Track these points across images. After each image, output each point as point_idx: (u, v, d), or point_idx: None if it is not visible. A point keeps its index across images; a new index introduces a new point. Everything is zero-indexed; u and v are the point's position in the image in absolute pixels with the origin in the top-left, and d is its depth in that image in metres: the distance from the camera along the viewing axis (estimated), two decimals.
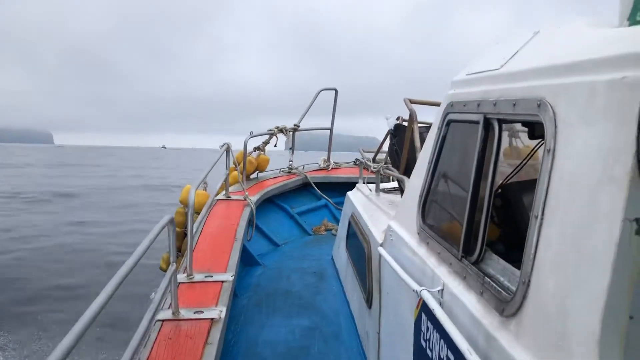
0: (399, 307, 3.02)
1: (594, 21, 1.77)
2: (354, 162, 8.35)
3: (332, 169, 9.56)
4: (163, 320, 3.34)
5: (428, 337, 2.22)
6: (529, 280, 1.55)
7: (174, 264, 3.30)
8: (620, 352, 1.24)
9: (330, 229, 8.09)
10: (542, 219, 1.53)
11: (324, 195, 8.62)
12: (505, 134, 3.90)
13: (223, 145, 6.47)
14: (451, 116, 2.56)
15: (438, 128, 2.70)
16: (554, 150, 1.53)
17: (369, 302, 3.85)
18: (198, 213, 5.87)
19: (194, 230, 4.88)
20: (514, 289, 1.66)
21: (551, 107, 1.58)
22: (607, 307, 1.21)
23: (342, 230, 5.75)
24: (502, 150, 2.10)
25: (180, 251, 5.83)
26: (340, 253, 5.67)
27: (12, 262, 14.05)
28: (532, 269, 1.54)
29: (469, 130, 2.28)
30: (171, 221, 3.13)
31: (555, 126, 1.54)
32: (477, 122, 2.16)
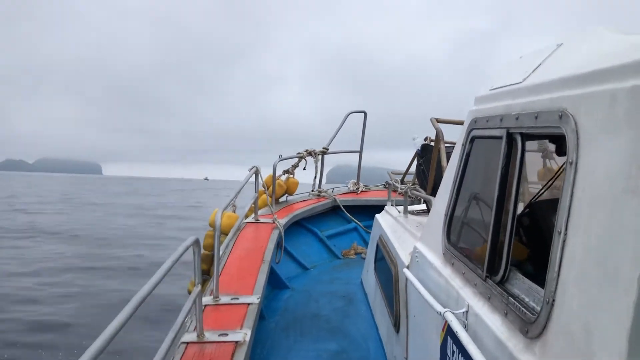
0: (426, 331, 2.93)
1: (618, 29, 1.72)
2: (384, 184, 8.26)
3: (361, 191, 9.48)
4: (187, 343, 3.32)
5: None
6: (553, 300, 1.47)
7: (199, 285, 3.30)
8: None
9: (360, 253, 7.99)
10: (565, 234, 1.47)
11: (354, 219, 8.54)
12: (538, 155, 3.80)
13: (252, 168, 6.52)
14: (475, 132, 2.51)
15: (462, 145, 2.65)
16: (576, 162, 1.47)
17: (396, 326, 3.75)
18: (227, 235, 5.90)
19: (221, 253, 4.89)
20: (538, 309, 1.59)
21: (573, 118, 1.52)
22: (634, 325, 1.13)
23: (370, 253, 5.68)
24: (529, 170, 2.04)
25: (209, 274, 5.86)
26: (369, 276, 5.58)
27: None
28: (556, 287, 1.47)
29: (492, 146, 2.23)
30: (196, 242, 3.14)
31: (577, 137, 1.48)
32: (500, 137, 2.11)
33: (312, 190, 9.00)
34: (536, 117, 1.78)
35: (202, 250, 5.86)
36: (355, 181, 9.78)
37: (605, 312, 1.24)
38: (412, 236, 4.04)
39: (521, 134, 1.96)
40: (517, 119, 1.95)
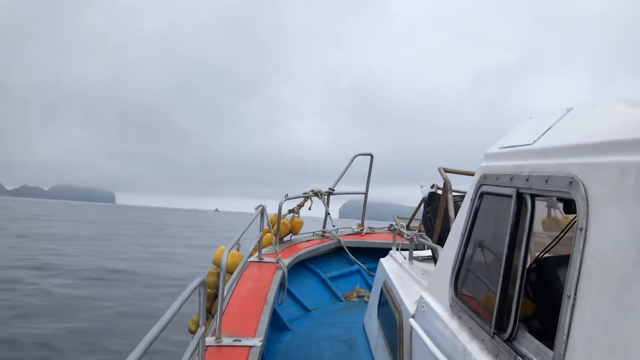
0: None
1: (628, 101, 1.78)
2: (389, 227, 8.27)
3: (365, 233, 9.48)
4: None
5: None
6: None
7: (203, 326, 3.29)
8: None
9: (363, 296, 7.93)
10: (574, 299, 1.49)
11: (357, 261, 8.51)
12: (543, 204, 3.83)
13: (258, 207, 6.56)
14: (484, 188, 2.56)
15: (471, 199, 2.70)
16: (586, 229, 1.51)
17: None
18: (230, 273, 5.89)
19: (225, 293, 4.87)
20: None
21: (583, 186, 1.57)
22: None
23: (374, 298, 5.64)
24: (535, 223, 2.07)
25: (210, 312, 5.82)
26: (372, 322, 5.53)
27: None
28: (565, 351, 1.49)
29: (501, 204, 2.27)
30: (202, 284, 3.15)
31: (587, 205, 1.53)
32: (509, 196, 2.16)
33: (322, 231, 9.00)
34: (546, 181, 1.83)
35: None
36: (360, 222, 9.79)
37: None
38: (417, 284, 4.03)
39: (531, 194, 2.01)
40: (527, 180, 2.00)
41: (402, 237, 5.64)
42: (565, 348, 1.49)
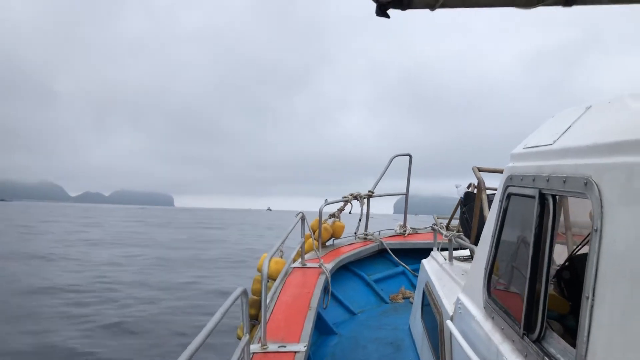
0: None
1: None
2: (431, 227, 8.24)
3: (408, 234, 9.45)
4: None
5: None
6: None
7: (247, 335, 3.42)
8: None
9: (408, 297, 7.90)
10: (593, 299, 1.52)
11: (401, 262, 8.50)
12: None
13: (298, 214, 6.69)
14: (510, 189, 2.57)
15: (499, 201, 2.72)
16: (601, 230, 1.53)
17: None
18: (274, 280, 6.02)
19: (269, 300, 5.00)
20: None
21: (597, 186, 1.59)
22: None
23: (417, 299, 5.65)
24: (583, 217, 2.07)
25: (257, 319, 5.97)
26: (417, 323, 5.55)
27: None
28: (586, 351, 1.51)
29: (526, 204, 2.29)
30: (244, 293, 3.28)
31: (601, 206, 1.55)
32: (533, 197, 2.18)
33: (364, 233, 9.04)
34: (564, 182, 1.85)
35: (251, 295, 6.02)
36: (402, 224, 9.77)
37: None
38: (457, 285, 4.05)
39: (552, 195, 2.03)
40: (547, 180, 2.02)
41: (443, 236, 5.64)
42: (587, 349, 1.52)
